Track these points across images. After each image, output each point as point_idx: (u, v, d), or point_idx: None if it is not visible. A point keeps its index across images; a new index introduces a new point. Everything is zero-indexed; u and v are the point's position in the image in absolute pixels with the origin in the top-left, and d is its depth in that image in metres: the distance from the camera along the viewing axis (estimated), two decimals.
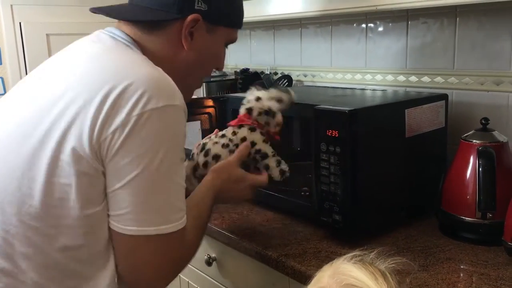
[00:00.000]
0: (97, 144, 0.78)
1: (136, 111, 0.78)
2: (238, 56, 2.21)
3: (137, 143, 0.78)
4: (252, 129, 1.14)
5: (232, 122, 1.16)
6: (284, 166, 1.16)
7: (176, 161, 0.84)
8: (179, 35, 0.94)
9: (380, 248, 0.68)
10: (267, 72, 1.99)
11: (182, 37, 0.94)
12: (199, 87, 1.09)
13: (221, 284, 1.38)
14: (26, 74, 2.21)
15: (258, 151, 1.14)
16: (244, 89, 1.89)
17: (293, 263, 1.09)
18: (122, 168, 0.79)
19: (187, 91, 0.97)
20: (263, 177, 1.14)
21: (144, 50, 0.93)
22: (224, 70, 2.11)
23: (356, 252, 0.65)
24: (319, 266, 1.05)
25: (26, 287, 0.81)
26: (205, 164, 1.13)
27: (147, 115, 0.78)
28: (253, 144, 1.14)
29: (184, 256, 0.95)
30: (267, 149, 1.15)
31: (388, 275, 0.59)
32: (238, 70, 2.07)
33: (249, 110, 1.15)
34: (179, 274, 1.56)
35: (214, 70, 1.10)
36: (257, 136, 1.14)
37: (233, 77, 2.05)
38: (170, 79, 0.85)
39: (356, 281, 0.57)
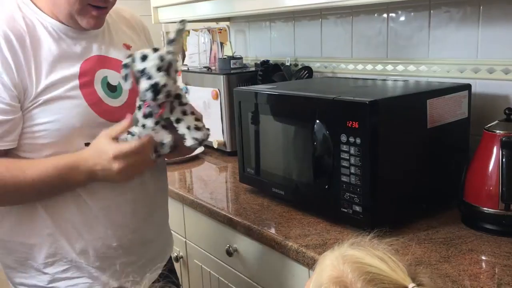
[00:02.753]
0: None
1: None
2: (258, 48, 2.21)
3: None
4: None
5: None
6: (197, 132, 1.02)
7: None
8: None
9: (375, 231, 0.69)
10: (287, 63, 1.99)
11: None
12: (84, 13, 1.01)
13: (241, 274, 1.39)
14: None
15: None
16: (264, 81, 1.90)
17: (313, 254, 1.09)
18: None
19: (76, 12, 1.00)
20: (125, 145, 0.97)
21: None
22: (244, 62, 2.13)
23: (354, 239, 0.66)
24: None
25: None
26: None
27: None
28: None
29: None
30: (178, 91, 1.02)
31: (393, 257, 0.61)
32: (258, 62, 2.07)
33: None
34: (201, 265, 1.59)
35: None
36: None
37: (253, 69, 2.06)
38: None
39: (372, 268, 0.59)
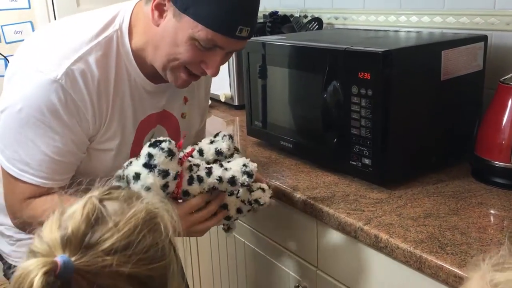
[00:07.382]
0: None
1: (12, 68, 0.96)
2: None
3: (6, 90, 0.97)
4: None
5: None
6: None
7: (34, 122, 0.92)
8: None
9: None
10: (297, 15, 1.93)
11: (150, 9, 0.95)
12: (161, 70, 1.00)
13: (248, 225, 1.40)
14: (55, 18, 2.21)
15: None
16: (273, 33, 1.85)
17: (321, 206, 1.09)
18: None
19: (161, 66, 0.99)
20: (189, 203, 0.95)
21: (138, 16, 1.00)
22: None
23: (494, 258, 0.59)
24: (347, 209, 1.06)
25: None
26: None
27: (16, 73, 0.95)
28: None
29: (12, 210, 1.00)
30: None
31: None
32: (267, 14, 2.01)
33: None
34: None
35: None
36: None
37: (261, 20, 2.00)
38: (62, 49, 0.93)
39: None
